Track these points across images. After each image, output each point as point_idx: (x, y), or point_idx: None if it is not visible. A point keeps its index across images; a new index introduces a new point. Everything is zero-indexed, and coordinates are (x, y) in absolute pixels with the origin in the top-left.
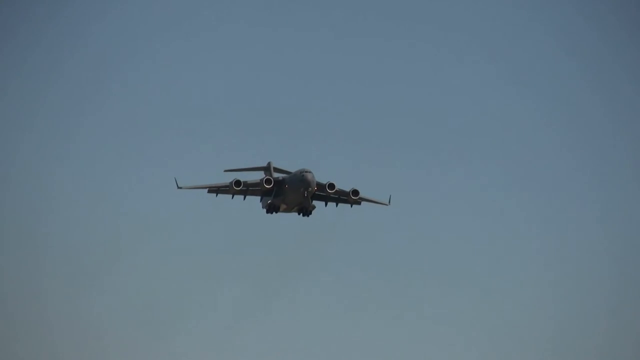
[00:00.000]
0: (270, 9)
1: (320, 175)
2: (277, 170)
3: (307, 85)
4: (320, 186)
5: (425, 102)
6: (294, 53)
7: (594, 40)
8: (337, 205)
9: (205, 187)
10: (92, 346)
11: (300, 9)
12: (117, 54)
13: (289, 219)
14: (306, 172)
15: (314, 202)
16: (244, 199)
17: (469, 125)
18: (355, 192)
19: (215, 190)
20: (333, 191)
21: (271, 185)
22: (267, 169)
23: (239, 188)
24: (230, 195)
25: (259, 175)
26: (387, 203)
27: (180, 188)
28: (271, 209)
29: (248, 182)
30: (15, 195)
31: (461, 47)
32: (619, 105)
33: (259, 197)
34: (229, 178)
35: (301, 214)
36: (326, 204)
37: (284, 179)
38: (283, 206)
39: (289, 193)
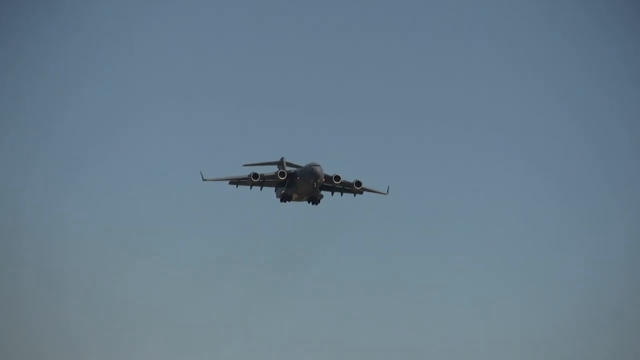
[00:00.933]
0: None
1: (327, 168)
2: (289, 164)
3: (314, 83)
4: (328, 178)
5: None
6: (303, 47)
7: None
8: (342, 195)
9: (227, 180)
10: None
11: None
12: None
13: (300, 207)
14: (315, 165)
15: (322, 192)
16: (261, 189)
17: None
18: (359, 183)
19: (236, 182)
20: (339, 182)
21: (285, 178)
22: (280, 163)
23: (256, 180)
24: (249, 187)
25: (273, 169)
26: (386, 192)
27: (205, 180)
28: (284, 198)
29: (264, 174)
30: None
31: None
32: None
33: (273, 188)
34: (247, 172)
35: (311, 203)
36: (332, 194)
37: (295, 172)
38: (295, 196)
39: (300, 184)
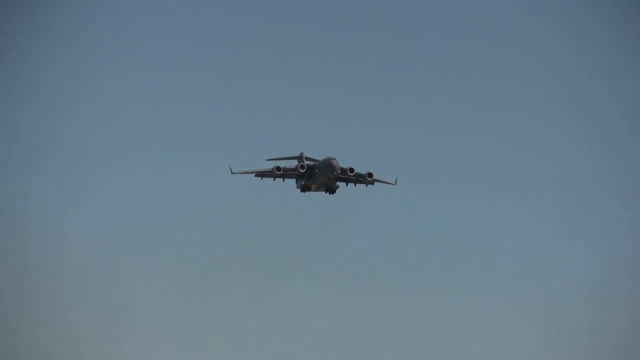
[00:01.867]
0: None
1: (341, 161)
2: (307, 158)
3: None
4: (343, 170)
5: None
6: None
7: None
8: (355, 185)
9: (253, 172)
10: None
11: None
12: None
13: (318, 196)
14: (332, 159)
15: (337, 183)
16: (283, 181)
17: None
18: (370, 175)
19: (261, 174)
20: (353, 174)
21: (304, 170)
22: (299, 157)
23: (279, 172)
24: (272, 178)
25: (294, 163)
26: (394, 183)
27: (234, 173)
28: (304, 188)
29: (286, 167)
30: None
31: None
32: None
33: (294, 180)
34: (270, 165)
35: (327, 192)
36: (347, 184)
37: (314, 165)
38: (314, 186)
39: (318, 176)
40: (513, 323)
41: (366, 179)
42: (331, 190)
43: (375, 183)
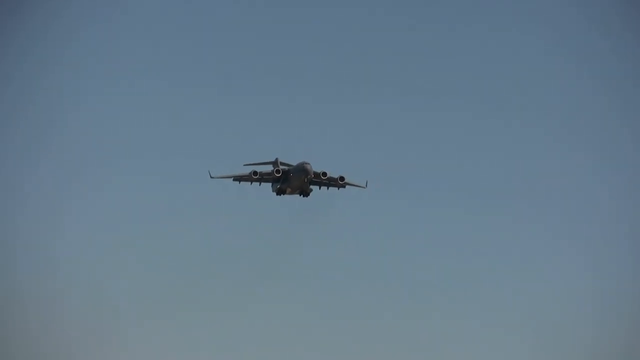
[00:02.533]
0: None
1: (314, 165)
2: (282, 163)
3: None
4: (316, 174)
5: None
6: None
7: None
8: (327, 188)
9: (231, 177)
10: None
11: None
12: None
13: (293, 199)
14: (306, 163)
15: (311, 187)
16: (259, 185)
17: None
18: (342, 178)
19: (239, 178)
20: (325, 178)
21: (280, 175)
22: (275, 162)
23: (256, 177)
24: (249, 182)
25: (269, 167)
26: (365, 186)
27: (213, 178)
28: (280, 192)
29: (262, 172)
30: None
31: None
32: None
33: (270, 184)
34: (247, 170)
35: (302, 195)
36: (320, 188)
37: (289, 169)
38: (289, 190)
39: (293, 180)
40: (490, 323)
41: (338, 182)
42: (305, 193)
43: (347, 186)
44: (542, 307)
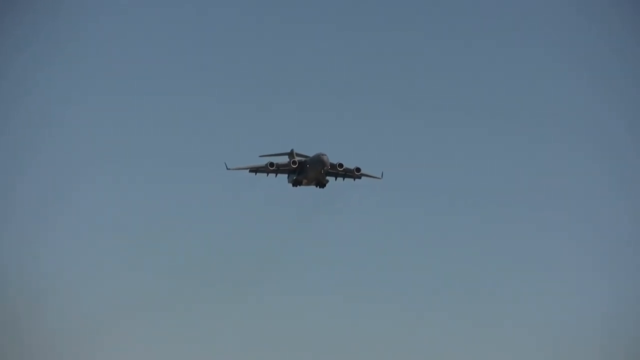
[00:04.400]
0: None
1: (331, 157)
2: (298, 154)
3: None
4: (332, 165)
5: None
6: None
7: None
8: (344, 180)
9: (247, 168)
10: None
11: None
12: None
13: (309, 190)
14: (322, 155)
15: (327, 178)
16: (276, 176)
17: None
18: (358, 169)
19: (255, 170)
20: (342, 169)
21: (296, 166)
22: (290, 153)
23: (272, 168)
24: (266, 174)
25: (285, 158)
26: (380, 177)
27: (229, 169)
28: (296, 183)
29: (279, 163)
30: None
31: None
32: None
33: (286, 175)
34: (264, 162)
35: (318, 187)
36: (336, 179)
37: (305, 160)
38: (305, 181)
39: (309, 171)
40: (501, 323)
41: (354, 173)
42: (321, 184)
43: (363, 177)
44: (558, 314)
